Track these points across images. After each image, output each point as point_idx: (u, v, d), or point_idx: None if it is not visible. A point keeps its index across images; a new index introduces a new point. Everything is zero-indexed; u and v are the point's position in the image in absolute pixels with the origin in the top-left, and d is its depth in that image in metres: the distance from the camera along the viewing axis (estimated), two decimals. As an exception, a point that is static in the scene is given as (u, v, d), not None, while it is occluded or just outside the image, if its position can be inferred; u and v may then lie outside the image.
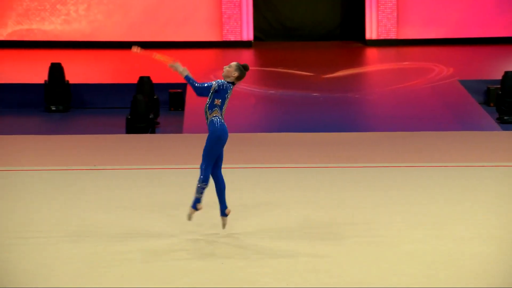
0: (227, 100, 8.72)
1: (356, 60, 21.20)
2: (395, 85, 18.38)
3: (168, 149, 13.26)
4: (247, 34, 22.07)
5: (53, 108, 17.02)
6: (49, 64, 17.49)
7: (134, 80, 17.14)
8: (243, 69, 8.73)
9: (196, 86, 8.73)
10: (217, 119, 8.68)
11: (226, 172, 11.73)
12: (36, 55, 20.59)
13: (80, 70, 18.75)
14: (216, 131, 8.68)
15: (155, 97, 16.70)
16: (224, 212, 8.84)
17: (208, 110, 8.68)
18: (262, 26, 22.62)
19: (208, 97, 8.67)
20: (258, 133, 14.73)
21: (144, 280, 7.63)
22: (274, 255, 8.35)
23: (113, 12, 21.83)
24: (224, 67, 8.75)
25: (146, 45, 21.59)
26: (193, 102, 17.03)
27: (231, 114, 16.65)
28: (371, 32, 22.24)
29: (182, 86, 17.64)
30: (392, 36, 22.20)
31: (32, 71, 18.75)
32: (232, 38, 21.98)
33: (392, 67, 20.28)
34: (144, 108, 15.59)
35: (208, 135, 8.71)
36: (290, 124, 15.60)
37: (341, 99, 17.38)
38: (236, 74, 8.69)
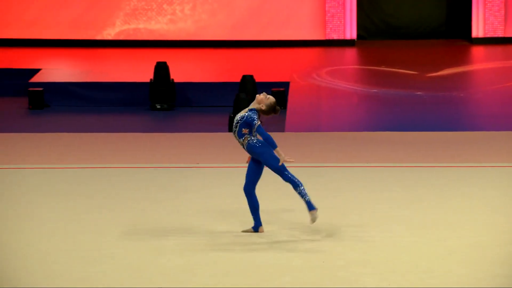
0: (255, 127, 8.81)
1: (461, 58, 20.85)
2: (502, 84, 18.02)
3: (270, 148, 13.25)
4: (350, 32, 21.93)
5: (158, 106, 17.21)
6: (154, 63, 17.70)
7: (237, 78, 17.21)
8: (273, 110, 8.90)
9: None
10: (252, 140, 8.80)
11: (328, 171, 11.68)
12: (142, 54, 20.87)
13: (185, 69, 18.92)
14: (257, 146, 8.77)
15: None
16: (257, 229, 8.87)
17: (239, 138, 8.81)
18: (366, 25, 22.45)
19: (234, 126, 8.85)
20: (361, 132, 14.62)
21: (244, 277, 7.63)
22: (374, 254, 8.26)
23: (218, 11, 21.96)
24: (262, 94, 8.92)
25: (249, 44, 21.66)
26: (295, 101, 17.01)
27: (333, 112, 16.61)
28: (478, 30, 21.85)
29: (285, 85, 17.63)
30: (499, 34, 21.76)
31: (138, 70, 19.00)
32: (335, 36, 21.87)
33: (498, 65, 19.89)
34: (247, 106, 15.58)
35: (259, 152, 8.78)
36: (393, 123, 15.43)
37: (445, 98, 17.12)
38: (264, 108, 8.86)
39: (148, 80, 17.57)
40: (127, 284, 7.49)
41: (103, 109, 17.17)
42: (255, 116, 8.85)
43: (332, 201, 10.20)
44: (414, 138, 13.87)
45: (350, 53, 21.26)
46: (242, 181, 11.01)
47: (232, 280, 7.60)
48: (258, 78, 17.18)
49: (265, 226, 8.94)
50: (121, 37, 21.98)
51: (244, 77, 17.00)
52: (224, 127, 15.58)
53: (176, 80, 17.56)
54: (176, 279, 7.61)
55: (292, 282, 7.69)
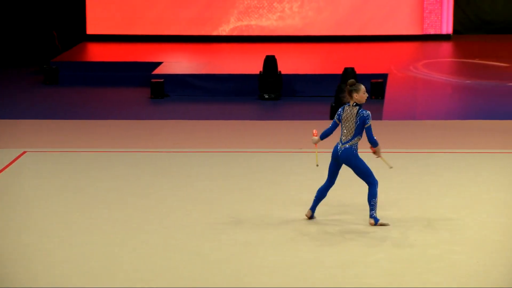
0: (343, 122, 8.44)
1: (552, 51, 20.29)
2: None
3: (369, 134, 13.17)
4: (447, 27, 21.57)
5: (266, 96, 17.29)
6: (264, 57, 17.78)
7: (339, 71, 17.14)
8: (345, 88, 8.43)
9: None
10: (357, 146, 8.47)
11: (424, 156, 11.55)
12: (253, 49, 20.97)
13: (291, 62, 18.93)
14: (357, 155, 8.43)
15: (357, 86, 16.63)
16: (312, 215, 8.64)
17: (355, 136, 8.45)
18: (461, 20, 22.04)
19: (355, 121, 8.41)
20: (454, 120, 14.39)
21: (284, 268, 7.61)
22: (463, 233, 8.15)
23: (323, 8, 21.89)
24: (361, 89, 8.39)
25: (351, 39, 21.54)
26: (393, 92, 16.85)
27: (428, 102, 16.37)
28: None
29: (383, 77, 17.48)
30: None
31: (249, 63, 19.10)
32: (432, 31, 21.54)
33: None
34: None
35: (357, 164, 8.43)
36: (484, 112, 15.13)
37: (535, 89, 16.69)
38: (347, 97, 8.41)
39: (257, 72, 17.67)
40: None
41: (217, 98, 17.34)
42: (343, 107, 8.51)
43: (428, 185, 10.10)
44: (505, 126, 13.58)
45: (446, 47, 20.91)
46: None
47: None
48: (358, 70, 17.07)
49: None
50: (235, 33, 22.14)
51: (345, 69, 16.92)
52: (326, 115, 15.55)
53: (283, 72, 17.61)
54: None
55: (386, 258, 7.66)
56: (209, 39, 22.04)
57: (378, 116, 15.44)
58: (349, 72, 16.82)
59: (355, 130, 8.35)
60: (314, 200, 8.67)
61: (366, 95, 8.42)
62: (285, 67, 17.80)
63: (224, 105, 16.73)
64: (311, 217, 8.66)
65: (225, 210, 9.12)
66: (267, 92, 17.36)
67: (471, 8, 22.10)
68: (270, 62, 17.64)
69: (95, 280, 7.22)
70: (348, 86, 8.39)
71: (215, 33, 22.12)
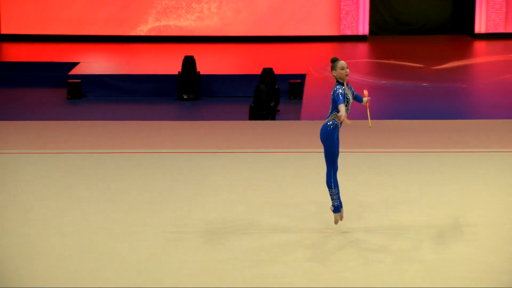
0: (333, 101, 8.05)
1: (465, 52, 20.73)
2: (502, 76, 17.89)
3: (287, 135, 13.26)
4: (363, 28, 21.84)
5: (185, 97, 17.22)
6: (182, 57, 17.70)
7: (257, 71, 17.19)
8: (332, 62, 8.09)
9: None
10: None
11: (345, 156, 11.66)
12: (171, 49, 20.89)
13: (210, 62, 18.92)
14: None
15: (276, 86, 16.72)
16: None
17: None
18: (377, 21, 22.34)
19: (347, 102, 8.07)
20: (371, 120, 14.54)
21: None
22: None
23: (241, 9, 21.92)
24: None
25: (269, 40, 21.61)
26: (311, 92, 16.98)
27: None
28: (480, 26, 21.69)
29: (301, 77, 17.60)
30: (501, 30, 21.58)
31: (167, 63, 19.02)
32: (348, 32, 21.79)
33: (499, 59, 19.74)
34: (266, 97, 15.61)
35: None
36: (400, 112, 15.37)
37: (449, 89, 17.03)
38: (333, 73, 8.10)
39: (176, 73, 17.59)
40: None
41: (135, 99, 17.21)
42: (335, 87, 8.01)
43: (348, 183, 10.19)
44: (419, 125, 13.81)
45: (362, 48, 21.17)
46: (263, 165, 11.04)
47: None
48: (277, 71, 17.15)
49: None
50: (153, 33, 22.00)
51: (264, 69, 16.97)
52: (245, 115, 15.58)
53: (202, 73, 17.57)
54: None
55: (303, 258, 7.67)
56: (127, 39, 21.85)
57: (296, 116, 15.54)
58: (267, 72, 16.88)
59: (331, 105, 8.12)
60: (337, 193, 8.17)
61: (345, 71, 8.02)
62: (204, 67, 17.77)
63: (142, 105, 16.61)
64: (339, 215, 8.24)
65: (144, 211, 9.04)
66: (186, 93, 17.30)
67: (387, 10, 22.41)
68: (188, 62, 17.58)
69: (4, 282, 7.07)
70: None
71: (133, 33, 21.94)
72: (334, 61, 8.13)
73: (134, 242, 8.11)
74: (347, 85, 8.16)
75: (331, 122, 8.17)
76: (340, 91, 8.00)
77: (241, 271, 7.40)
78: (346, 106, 8.08)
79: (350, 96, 8.18)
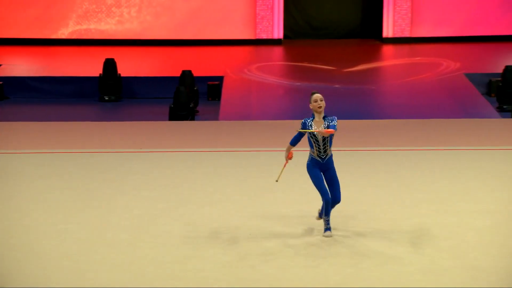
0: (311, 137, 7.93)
1: (374, 56, 21.07)
2: (408, 78, 18.25)
3: (206, 134, 13.30)
4: (278, 32, 22.00)
5: (106, 98, 17.10)
6: (103, 60, 17.57)
7: (177, 73, 17.17)
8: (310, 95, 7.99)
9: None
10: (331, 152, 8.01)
11: (255, 154, 11.76)
12: (92, 52, 20.68)
13: (131, 65, 18.80)
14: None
15: (195, 88, 16.73)
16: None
17: (329, 147, 7.97)
18: (291, 26, 22.54)
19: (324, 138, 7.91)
20: (285, 120, 14.70)
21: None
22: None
23: (161, 14, 21.85)
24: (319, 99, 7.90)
25: (188, 43, 21.61)
26: (229, 93, 17.04)
27: (262, 103, 16.67)
28: (388, 31, 22.07)
29: (219, 79, 17.65)
30: (406, 34, 22.01)
31: (88, 65, 18.83)
32: (264, 36, 21.93)
33: (405, 62, 20.13)
34: (185, 98, 15.61)
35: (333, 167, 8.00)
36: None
37: (359, 90, 17.30)
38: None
39: (97, 75, 17.44)
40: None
41: (58, 100, 17.01)
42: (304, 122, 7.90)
43: (259, 181, 10.28)
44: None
45: (277, 51, 21.33)
46: (183, 164, 11.04)
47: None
48: (196, 73, 17.17)
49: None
50: (74, 36, 21.75)
51: (183, 72, 16.97)
52: (165, 116, 15.56)
53: (122, 75, 17.46)
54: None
55: (221, 252, 7.70)
56: (49, 42, 21.56)
57: (215, 116, 15.59)
58: (186, 74, 16.88)
59: (329, 140, 7.95)
60: (327, 208, 7.98)
61: (318, 103, 7.89)
62: (124, 70, 17.66)
63: (65, 107, 16.42)
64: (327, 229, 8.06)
65: (66, 210, 8.96)
66: (107, 94, 17.18)
67: (300, 15, 22.63)
68: (109, 65, 17.45)
69: None
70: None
71: (54, 36, 21.66)
72: (311, 94, 7.96)
73: (58, 239, 8.04)
74: (323, 118, 7.97)
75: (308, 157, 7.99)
76: (300, 127, 7.83)
77: (162, 268, 7.41)
78: (313, 138, 7.87)
79: (316, 127, 7.92)
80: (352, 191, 9.64)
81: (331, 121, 7.97)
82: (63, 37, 21.71)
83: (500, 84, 16.76)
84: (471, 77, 17.66)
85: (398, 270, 7.27)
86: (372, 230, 8.25)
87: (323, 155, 8.00)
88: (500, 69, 17.35)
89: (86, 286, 7.02)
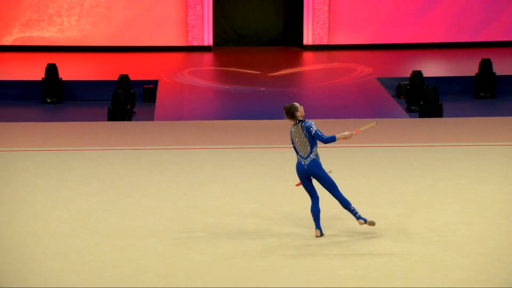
0: (295, 142, 7.71)
1: (295, 61, 21.22)
2: (326, 82, 18.43)
3: (142, 134, 13.21)
4: (208, 40, 21.98)
5: (48, 101, 16.86)
6: (45, 65, 17.32)
7: (115, 77, 17.02)
8: (286, 114, 7.79)
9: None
10: (318, 157, 7.76)
11: (187, 152, 11.73)
12: (35, 57, 20.34)
13: (71, 70, 18.55)
14: (320, 165, 7.76)
15: (132, 91, 16.61)
16: (322, 233, 7.81)
17: (312, 149, 7.72)
18: (220, 34, 22.54)
19: (305, 135, 7.68)
20: (215, 120, 14.71)
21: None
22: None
23: (99, 22, 21.62)
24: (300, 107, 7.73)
25: (125, 49, 21.43)
26: (163, 96, 16.96)
27: (194, 105, 16.64)
28: (308, 38, 22.25)
29: (154, 83, 17.56)
30: (324, 42, 22.23)
31: (31, 70, 18.51)
32: (195, 43, 21.88)
33: (324, 67, 20.33)
34: (123, 100, 15.50)
35: (320, 173, 7.71)
36: (240, 113, 15.60)
37: (282, 93, 17.40)
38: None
39: (40, 79, 17.18)
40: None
41: (3, 102, 16.70)
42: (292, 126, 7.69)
43: (192, 176, 10.26)
44: (257, 125, 14.05)
45: (207, 57, 21.32)
46: (120, 161, 10.95)
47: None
48: (132, 77, 17.05)
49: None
50: (18, 43, 21.38)
51: (120, 76, 16.83)
52: (104, 117, 15.42)
53: (64, 79, 17.24)
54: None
55: (158, 242, 7.67)
56: (-7, 48, 21.14)
57: (150, 117, 15.50)
58: (124, 78, 16.75)
59: (309, 142, 7.67)
60: (314, 219, 7.74)
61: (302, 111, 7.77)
62: (66, 74, 17.45)
63: (8, 109, 16.12)
64: (321, 234, 7.76)
65: (7, 206, 8.79)
66: (50, 97, 16.94)
67: (228, 24, 22.65)
68: (51, 69, 17.22)
69: None
70: (287, 112, 7.77)
71: (-1, 43, 21.26)
72: (290, 107, 7.77)
73: (3, 232, 7.88)
74: (299, 122, 7.77)
75: (317, 157, 7.75)
76: (314, 127, 7.65)
77: (101, 257, 7.35)
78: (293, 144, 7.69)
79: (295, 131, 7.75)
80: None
81: (308, 127, 7.72)
82: (7, 43, 21.31)
83: (408, 87, 17.08)
84: (382, 81, 17.95)
85: (396, 267, 7.06)
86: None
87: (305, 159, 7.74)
88: (408, 74, 17.67)
89: (30, 276, 6.90)
